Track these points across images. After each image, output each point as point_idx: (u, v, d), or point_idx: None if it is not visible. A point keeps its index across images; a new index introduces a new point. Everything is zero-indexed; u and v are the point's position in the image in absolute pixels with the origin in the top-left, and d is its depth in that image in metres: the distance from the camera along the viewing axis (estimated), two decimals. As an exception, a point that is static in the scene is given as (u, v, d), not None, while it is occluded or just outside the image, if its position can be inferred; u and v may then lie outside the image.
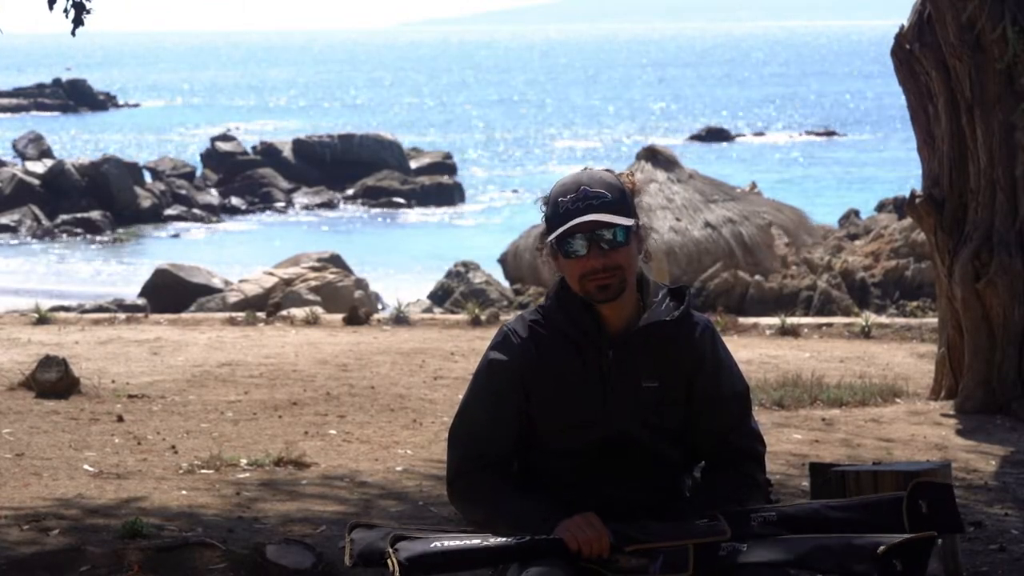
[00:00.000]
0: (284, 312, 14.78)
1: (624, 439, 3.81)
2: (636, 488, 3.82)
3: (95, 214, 33.98)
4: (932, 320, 13.34)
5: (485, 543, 3.67)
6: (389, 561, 3.63)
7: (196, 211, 36.84)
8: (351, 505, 6.98)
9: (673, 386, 3.84)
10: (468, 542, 3.67)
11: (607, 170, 3.93)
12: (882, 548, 3.56)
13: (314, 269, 20.42)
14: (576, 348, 3.84)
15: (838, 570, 3.60)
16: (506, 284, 21.51)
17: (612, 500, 3.80)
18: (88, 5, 8.61)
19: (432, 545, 3.65)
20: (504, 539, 3.67)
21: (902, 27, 9.97)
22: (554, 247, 3.85)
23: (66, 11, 8.55)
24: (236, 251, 31.63)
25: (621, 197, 3.82)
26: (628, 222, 3.80)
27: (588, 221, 3.77)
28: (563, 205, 3.81)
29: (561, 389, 3.81)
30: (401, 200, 38.98)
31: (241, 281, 20.86)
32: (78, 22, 8.53)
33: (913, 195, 9.94)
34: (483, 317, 13.85)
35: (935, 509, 3.74)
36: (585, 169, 3.92)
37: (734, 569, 3.66)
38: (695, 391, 3.85)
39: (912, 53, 9.84)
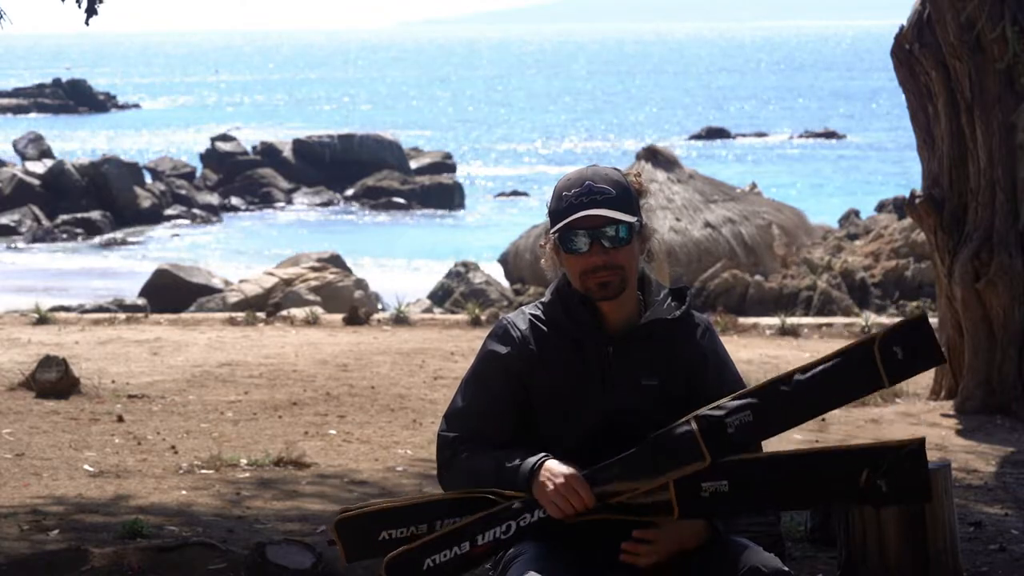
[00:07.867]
0: (284, 312, 14.78)
1: (624, 436, 3.80)
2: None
3: (95, 214, 33.98)
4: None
5: (472, 545, 3.65)
6: None
7: (196, 211, 36.84)
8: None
9: (673, 384, 3.83)
10: (456, 550, 3.65)
11: (614, 168, 3.92)
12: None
13: (314, 269, 20.42)
14: (576, 344, 3.83)
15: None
16: (506, 284, 21.51)
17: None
18: None
19: (425, 566, 3.66)
20: (491, 533, 3.65)
21: (902, 27, 9.96)
22: (556, 241, 3.84)
23: (79, 0, 8.42)
24: (236, 251, 31.63)
25: (626, 195, 3.81)
26: (631, 219, 3.79)
27: (591, 216, 3.76)
28: (567, 199, 3.80)
29: (561, 384, 3.80)
30: (401, 200, 38.96)
31: (241, 281, 20.86)
32: (91, 11, 8.41)
33: (913, 195, 9.94)
34: (483, 317, 13.84)
35: (913, 349, 3.65)
36: (592, 166, 3.91)
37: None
38: (695, 390, 3.84)
39: (912, 53, 9.84)
